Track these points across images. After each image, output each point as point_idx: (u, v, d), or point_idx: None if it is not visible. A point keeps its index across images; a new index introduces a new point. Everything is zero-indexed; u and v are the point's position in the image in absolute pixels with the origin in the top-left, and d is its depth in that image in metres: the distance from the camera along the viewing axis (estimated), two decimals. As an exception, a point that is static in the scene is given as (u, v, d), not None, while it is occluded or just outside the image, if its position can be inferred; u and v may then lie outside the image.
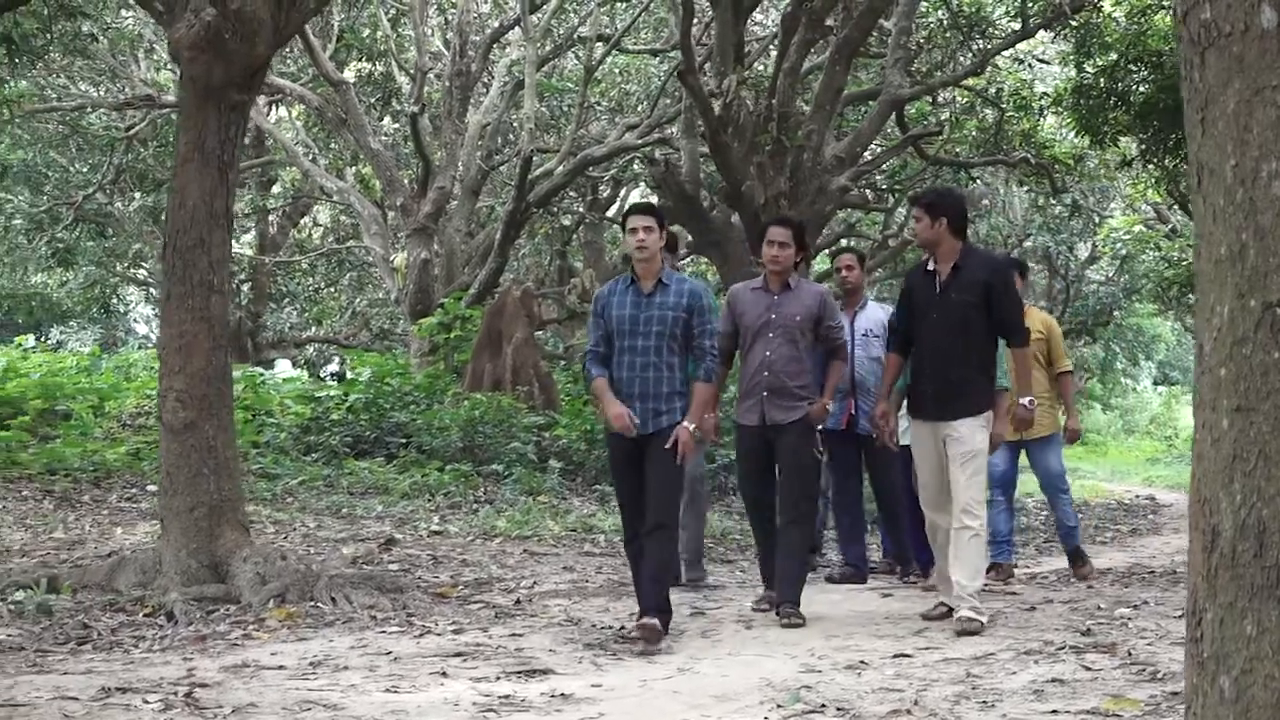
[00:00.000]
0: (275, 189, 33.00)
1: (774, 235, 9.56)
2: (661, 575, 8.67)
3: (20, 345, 24.84)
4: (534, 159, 23.30)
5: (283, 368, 39.88)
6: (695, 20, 19.58)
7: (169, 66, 26.62)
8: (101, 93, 27.94)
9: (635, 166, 27.93)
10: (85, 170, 29.88)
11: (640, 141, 23.92)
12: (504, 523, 13.70)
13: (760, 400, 9.41)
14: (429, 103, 25.36)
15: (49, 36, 21.56)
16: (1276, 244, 3.50)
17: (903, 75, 19.34)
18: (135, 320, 47.68)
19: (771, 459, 9.55)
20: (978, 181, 27.93)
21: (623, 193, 33.14)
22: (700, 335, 8.66)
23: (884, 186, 26.75)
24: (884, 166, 24.39)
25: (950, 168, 24.11)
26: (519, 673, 7.92)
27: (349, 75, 28.82)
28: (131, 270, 33.69)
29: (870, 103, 20.74)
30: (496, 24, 25.66)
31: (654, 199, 20.15)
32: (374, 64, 27.84)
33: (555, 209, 30.05)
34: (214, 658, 8.39)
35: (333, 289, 36.69)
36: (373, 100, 28.36)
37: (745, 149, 17.47)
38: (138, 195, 28.59)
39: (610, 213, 32.49)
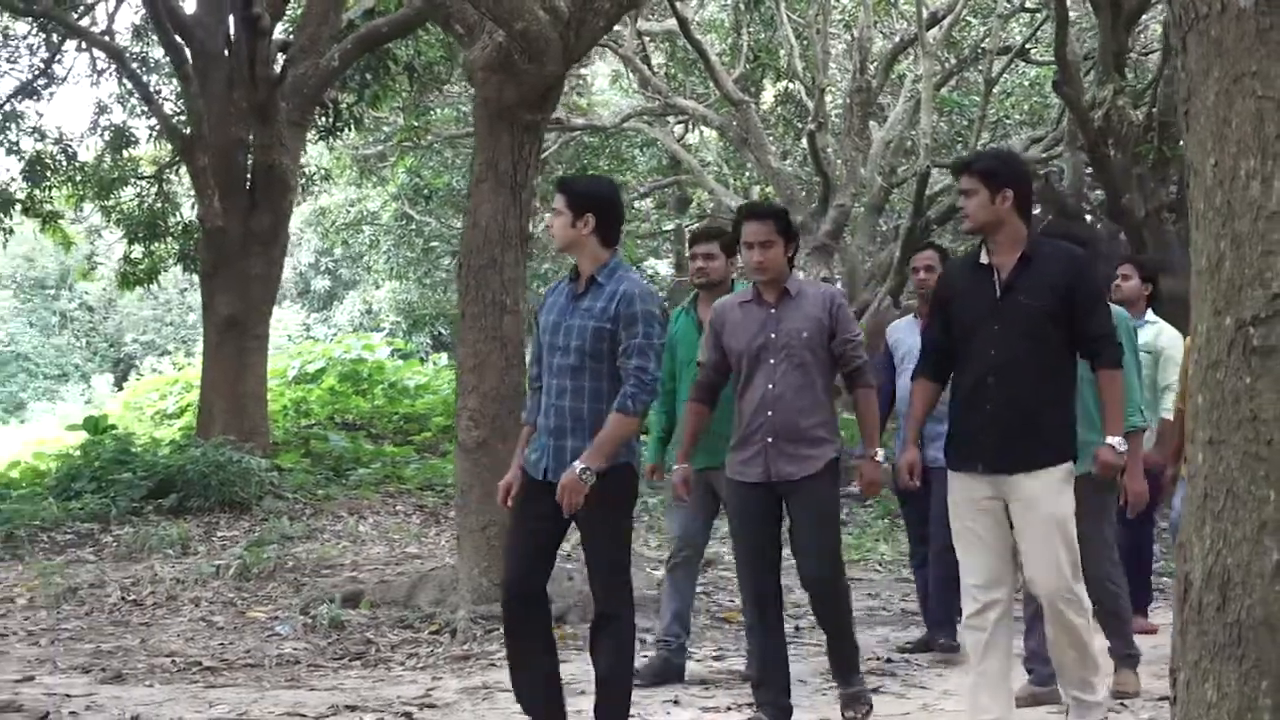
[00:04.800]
0: (692, 208, 33.29)
1: (750, 234, 7.03)
2: (617, 685, 6.61)
3: (434, 362, 25.68)
4: (933, 174, 22.89)
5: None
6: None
7: (577, 92, 27.17)
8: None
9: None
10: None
11: (1044, 154, 23.22)
12: (832, 545, 13.38)
13: (763, 449, 6.95)
14: (828, 120, 25.16)
15: (451, 65, 22.22)
16: (1253, 253, 3.08)
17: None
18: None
19: (777, 532, 7.13)
20: None
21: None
22: (627, 353, 6.34)
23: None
24: None
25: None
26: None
27: (768, 95, 28.91)
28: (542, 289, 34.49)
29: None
30: (898, 39, 25.34)
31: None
32: (790, 83, 27.81)
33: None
34: (462, 677, 8.44)
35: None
36: (791, 119, 28.34)
37: (1126, 160, 16.77)
38: (545, 216, 29.21)
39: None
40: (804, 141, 27.98)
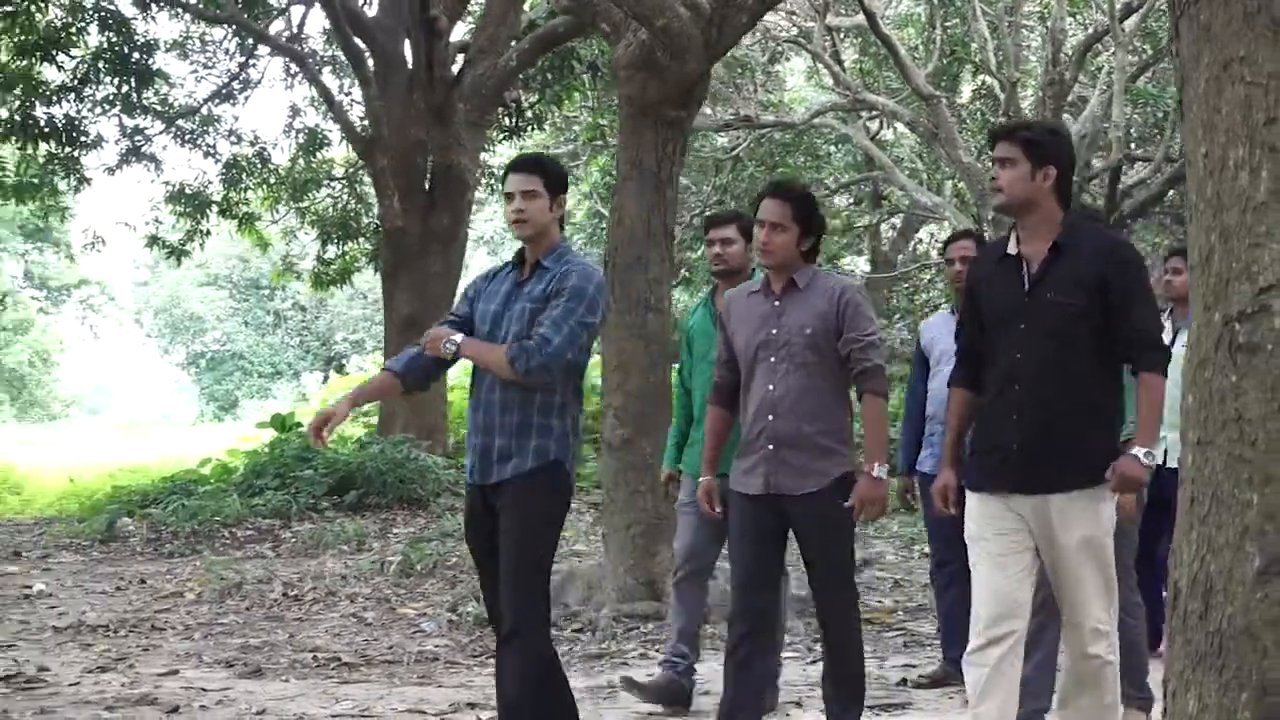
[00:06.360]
0: (888, 204, 32.98)
1: (763, 211, 6.25)
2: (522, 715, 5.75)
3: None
4: (1125, 169, 22.46)
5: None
6: None
7: (765, 87, 27.06)
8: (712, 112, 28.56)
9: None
10: (707, 190, 30.70)
11: (1243, 146, 22.63)
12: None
13: (763, 458, 6.14)
14: (1020, 113, 24.78)
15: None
16: (1240, 246, 2.96)
17: None
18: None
19: (778, 549, 6.35)
20: None
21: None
22: (539, 322, 5.71)
23: None
24: None
25: None
26: (880, 705, 7.59)
27: (966, 90, 28.55)
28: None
29: None
30: (1091, 30, 24.84)
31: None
32: (986, 77, 27.46)
33: (1168, 220, 28.79)
34: (590, 676, 8.44)
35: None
36: (987, 113, 27.97)
37: (1317, 151, 16.27)
38: (742, 213, 29.12)
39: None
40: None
